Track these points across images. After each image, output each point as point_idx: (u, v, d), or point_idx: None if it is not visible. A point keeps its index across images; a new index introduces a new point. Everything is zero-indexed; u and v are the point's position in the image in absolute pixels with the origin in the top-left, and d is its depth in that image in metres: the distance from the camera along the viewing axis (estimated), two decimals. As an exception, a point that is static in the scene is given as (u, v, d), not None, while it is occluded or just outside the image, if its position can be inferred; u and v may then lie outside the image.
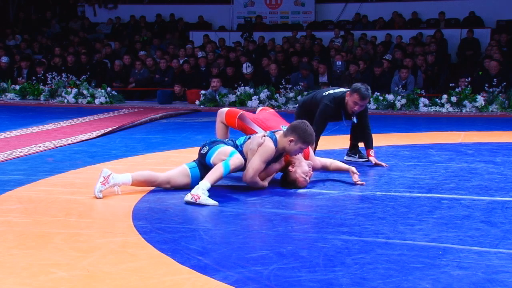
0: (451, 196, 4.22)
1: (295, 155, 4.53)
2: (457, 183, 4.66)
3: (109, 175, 4.25)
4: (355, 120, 5.43)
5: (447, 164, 5.41)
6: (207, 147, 4.44)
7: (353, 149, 5.70)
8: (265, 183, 4.51)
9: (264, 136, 4.41)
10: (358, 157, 5.64)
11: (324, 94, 5.53)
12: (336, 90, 5.53)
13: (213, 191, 4.20)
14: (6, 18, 18.74)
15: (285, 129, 4.49)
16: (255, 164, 4.33)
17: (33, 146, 6.35)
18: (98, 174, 4.28)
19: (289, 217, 3.72)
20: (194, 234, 3.34)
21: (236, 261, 2.91)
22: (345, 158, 5.68)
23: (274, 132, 4.51)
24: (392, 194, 4.33)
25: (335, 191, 4.43)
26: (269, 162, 4.45)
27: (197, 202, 3.98)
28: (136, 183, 4.37)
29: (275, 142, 4.38)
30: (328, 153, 5.80)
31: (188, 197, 4.03)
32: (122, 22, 17.31)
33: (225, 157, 4.25)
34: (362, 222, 3.61)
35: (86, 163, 5.49)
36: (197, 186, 4.10)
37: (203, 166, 4.45)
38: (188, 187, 4.34)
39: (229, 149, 4.34)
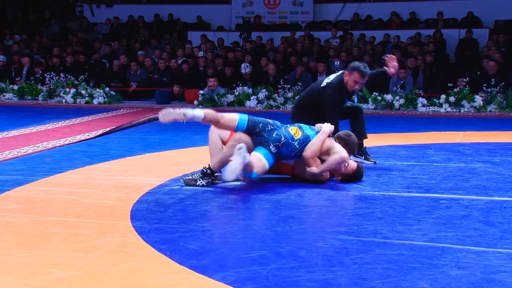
0: (449, 196, 4.23)
1: None
2: (456, 183, 4.66)
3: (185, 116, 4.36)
4: (355, 99, 5.57)
5: (446, 164, 5.41)
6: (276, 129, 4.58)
7: (359, 150, 5.52)
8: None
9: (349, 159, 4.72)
10: (364, 159, 5.51)
11: (322, 85, 5.51)
12: (331, 77, 5.51)
13: (212, 190, 4.20)
14: (5, 18, 18.72)
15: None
16: (327, 166, 4.61)
17: (31, 146, 6.35)
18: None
19: (288, 217, 3.72)
20: (193, 234, 3.34)
21: (234, 261, 2.92)
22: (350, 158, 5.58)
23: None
24: (391, 194, 4.33)
25: (334, 191, 4.44)
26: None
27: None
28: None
29: None
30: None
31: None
32: (120, 22, 17.30)
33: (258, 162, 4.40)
34: (360, 222, 3.61)
35: (84, 163, 5.49)
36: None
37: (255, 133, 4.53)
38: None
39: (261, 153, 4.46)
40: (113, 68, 13.21)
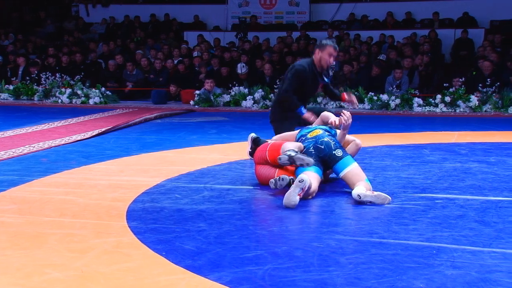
0: (445, 196, 4.23)
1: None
2: (451, 183, 4.67)
3: (305, 186, 3.97)
4: (330, 74, 5.66)
5: (441, 164, 5.42)
6: (341, 152, 4.42)
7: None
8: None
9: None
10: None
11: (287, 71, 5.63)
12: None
13: (208, 190, 4.20)
14: (0, 18, 18.67)
15: None
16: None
17: (27, 146, 6.34)
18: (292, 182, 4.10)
19: (284, 217, 3.72)
20: (189, 234, 3.34)
21: (230, 261, 2.92)
22: None
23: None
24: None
25: (330, 191, 4.44)
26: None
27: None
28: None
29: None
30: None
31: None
32: (116, 22, 17.28)
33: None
34: (356, 221, 3.62)
35: (80, 163, 5.48)
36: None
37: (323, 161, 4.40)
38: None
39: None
40: (109, 68, 13.19)
